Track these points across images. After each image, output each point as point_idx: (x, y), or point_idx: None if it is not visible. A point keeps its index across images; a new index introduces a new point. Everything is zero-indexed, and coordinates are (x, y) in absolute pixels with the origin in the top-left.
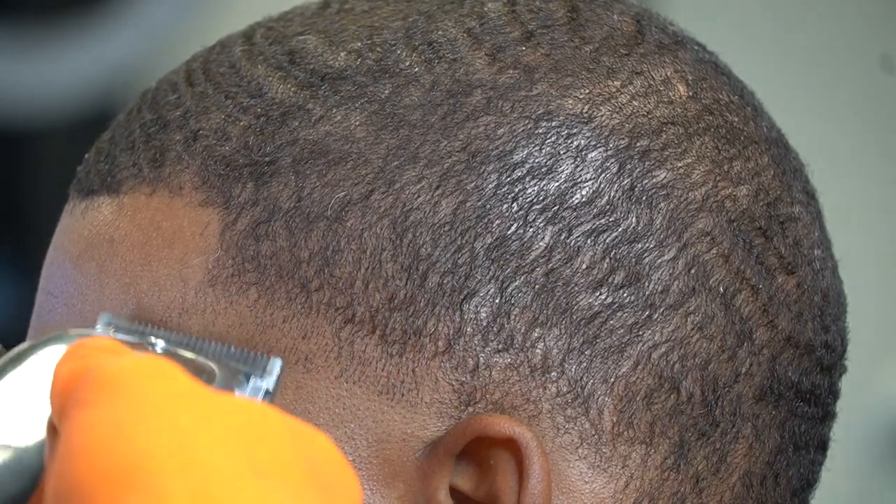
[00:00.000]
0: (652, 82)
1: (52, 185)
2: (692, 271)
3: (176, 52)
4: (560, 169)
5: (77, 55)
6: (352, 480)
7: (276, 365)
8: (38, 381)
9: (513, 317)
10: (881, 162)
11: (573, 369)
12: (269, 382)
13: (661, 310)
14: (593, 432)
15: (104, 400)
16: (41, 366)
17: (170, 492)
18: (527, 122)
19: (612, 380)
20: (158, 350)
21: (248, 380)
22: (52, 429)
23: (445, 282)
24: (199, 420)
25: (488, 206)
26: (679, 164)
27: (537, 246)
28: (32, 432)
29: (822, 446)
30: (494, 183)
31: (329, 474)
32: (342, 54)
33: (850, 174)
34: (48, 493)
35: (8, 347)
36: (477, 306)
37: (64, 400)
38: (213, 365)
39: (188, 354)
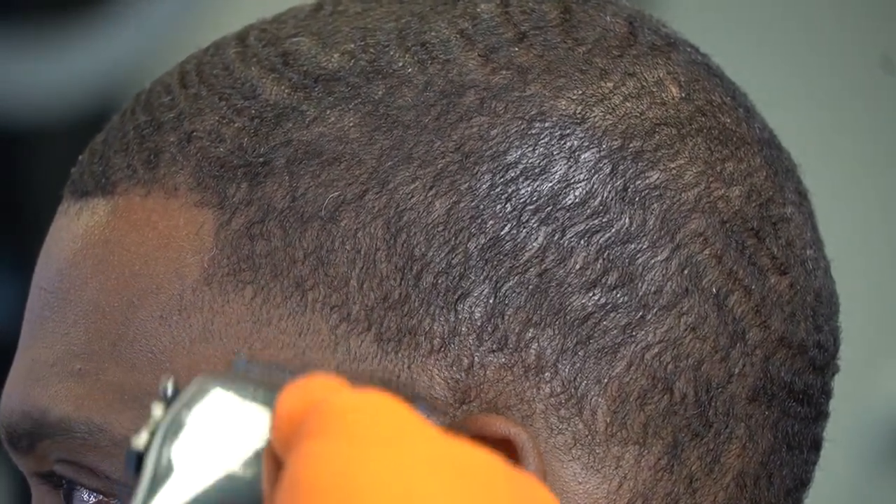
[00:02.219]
0: (645, 84)
1: (52, 185)
2: (685, 272)
3: (176, 52)
4: (553, 170)
5: (77, 55)
6: None
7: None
8: (224, 416)
9: (507, 317)
10: (881, 162)
11: (567, 370)
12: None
13: (655, 310)
14: (587, 433)
15: (332, 432)
16: (222, 402)
17: None
18: (520, 122)
19: (606, 380)
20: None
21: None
22: (271, 458)
23: (439, 282)
24: (427, 464)
25: (482, 206)
26: (672, 165)
27: (531, 246)
28: (238, 461)
29: (816, 446)
30: (488, 183)
31: None
32: (336, 56)
33: (851, 174)
34: None
35: (8, 347)
36: (471, 306)
37: (291, 431)
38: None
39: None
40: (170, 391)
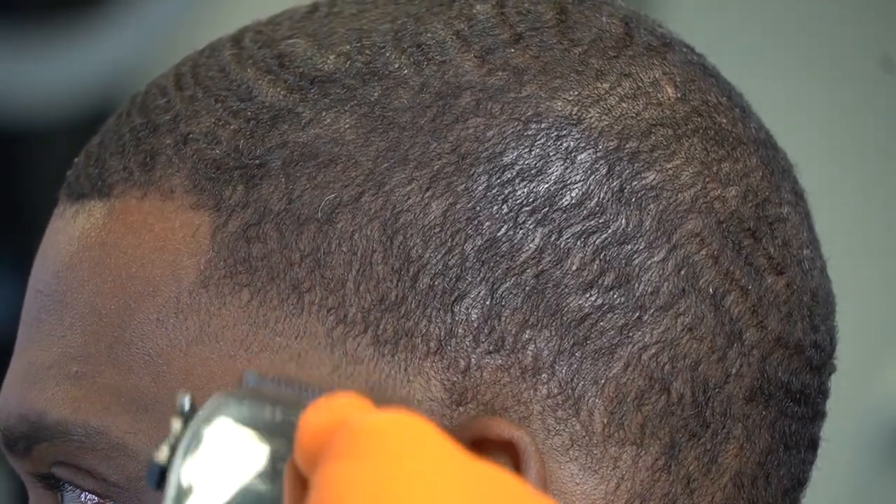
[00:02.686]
0: (640, 84)
1: (52, 185)
2: (682, 272)
3: (176, 53)
4: (549, 171)
5: (77, 55)
6: None
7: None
8: (242, 433)
9: (503, 318)
10: (881, 162)
11: (564, 371)
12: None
13: (651, 311)
14: (584, 434)
15: (360, 454)
16: (237, 421)
17: None
18: (516, 123)
19: (603, 381)
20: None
21: None
22: (294, 475)
23: (436, 283)
24: (454, 487)
25: (478, 207)
26: (668, 166)
27: (527, 248)
28: (258, 475)
29: (813, 446)
30: (484, 185)
31: None
32: (331, 57)
33: (851, 174)
34: None
35: (8, 347)
36: (468, 308)
37: (318, 450)
38: None
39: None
40: (187, 406)
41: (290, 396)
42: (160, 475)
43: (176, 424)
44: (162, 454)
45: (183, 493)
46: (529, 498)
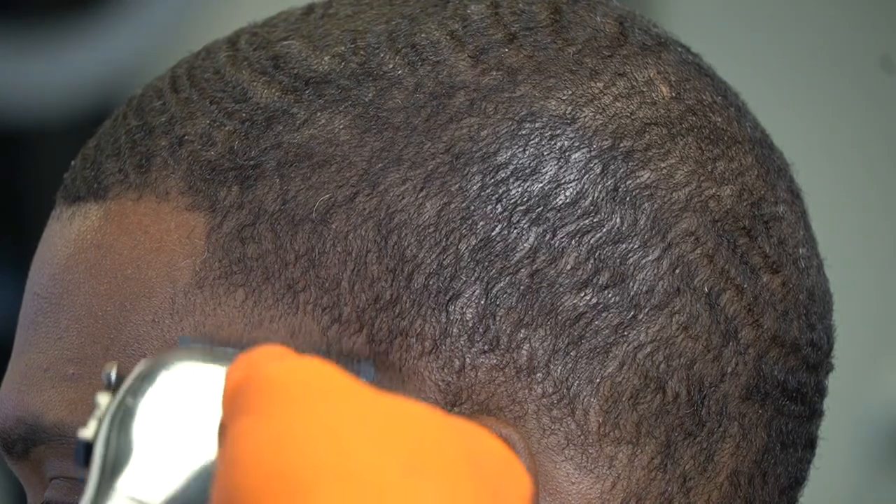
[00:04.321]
0: (635, 83)
1: (52, 185)
2: (677, 271)
3: (175, 52)
4: (544, 170)
5: (77, 55)
6: (521, 477)
7: (368, 368)
8: (178, 395)
9: (498, 318)
10: (881, 162)
11: (559, 370)
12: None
13: (646, 310)
14: (579, 433)
15: (264, 406)
16: (175, 380)
17: (326, 500)
18: (510, 123)
19: (598, 380)
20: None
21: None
22: (222, 434)
23: (431, 283)
24: (358, 423)
25: (472, 207)
26: (662, 165)
27: (522, 247)
28: (196, 442)
29: (810, 444)
30: (478, 184)
31: (497, 472)
32: (326, 58)
33: (851, 174)
34: (214, 501)
35: (8, 346)
36: (462, 307)
37: (230, 407)
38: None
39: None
40: (113, 378)
41: (223, 356)
42: (86, 452)
43: (102, 398)
44: (88, 430)
45: (113, 466)
46: (442, 422)
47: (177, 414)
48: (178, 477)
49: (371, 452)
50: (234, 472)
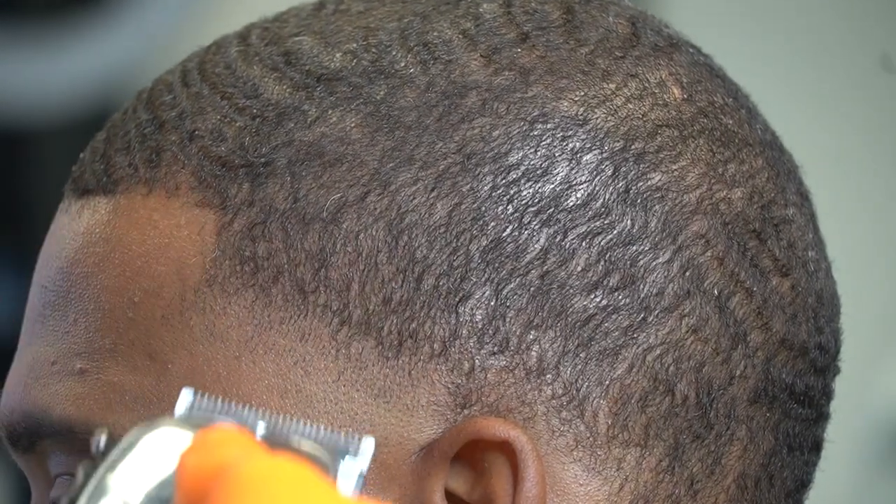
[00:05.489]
0: (647, 85)
1: (52, 185)
2: (687, 274)
3: (176, 52)
4: (555, 171)
5: (77, 55)
6: None
7: (369, 445)
8: (150, 470)
9: (508, 319)
10: (882, 162)
11: (568, 372)
12: (362, 464)
13: (656, 312)
14: (588, 435)
15: None
16: (151, 454)
17: None
18: (522, 124)
19: (607, 382)
20: (258, 436)
21: (341, 460)
22: None
23: (441, 284)
24: None
25: (483, 208)
26: (674, 167)
27: (532, 248)
28: None
29: (816, 447)
30: (490, 185)
31: None
32: (338, 55)
33: (851, 174)
34: None
35: (8, 347)
36: (472, 309)
37: (195, 497)
38: (323, 454)
39: (294, 442)
40: (102, 446)
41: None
42: None
43: (81, 469)
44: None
45: None
46: None
47: (148, 490)
48: None
49: None
50: None
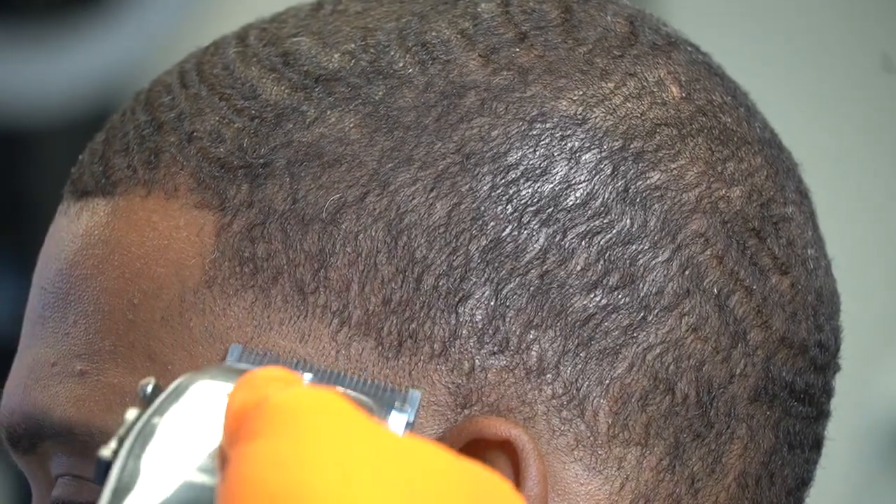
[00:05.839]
0: (645, 84)
1: (52, 185)
2: (686, 273)
3: (176, 52)
4: (554, 171)
5: (77, 55)
6: None
7: (415, 397)
8: (199, 415)
9: (508, 319)
10: (882, 161)
11: (568, 371)
12: (410, 414)
13: (656, 311)
14: (589, 434)
15: (271, 431)
16: (200, 400)
17: None
18: (521, 123)
19: (608, 381)
20: (305, 384)
21: (389, 412)
22: (224, 459)
23: (440, 284)
24: (365, 457)
25: (482, 208)
26: (673, 166)
27: (532, 248)
28: (201, 467)
29: (817, 445)
30: (489, 185)
31: None
32: (336, 56)
33: (851, 174)
34: None
35: (8, 347)
36: (472, 309)
37: (234, 430)
38: (368, 400)
39: (339, 389)
40: (149, 392)
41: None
42: (105, 470)
43: (130, 413)
44: (109, 448)
45: (121, 489)
46: (450, 463)
47: (194, 435)
48: (179, 501)
49: (374, 484)
50: (235, 494)
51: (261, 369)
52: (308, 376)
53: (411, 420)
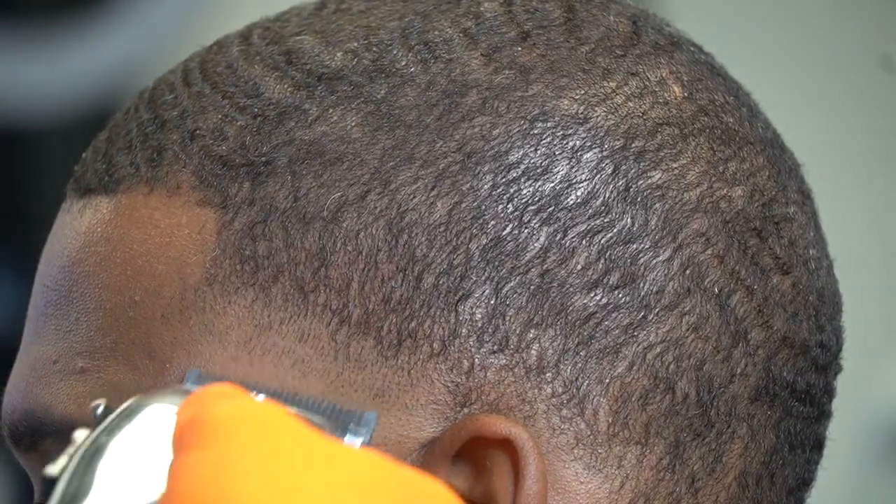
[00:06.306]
0: (647, 83)
1: (52, 185)
2: (687, 272)
3: (176, 52)
4: (555, 170)
5: (77, 55)
6: None
7: (370, 418)
8: (149, 435)
9: (508, 318)
10: (882, 161)
11: (568, 370)
12: (365, 436)
13: (657, 310)
14: (589, 433)
15: (205, 442)
16: (150, 421)
17: None
18: (522, 122)
19: (608, 380)
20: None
21: (344, 434)
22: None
23: (441, 283)
24: (298, 466)
25: (483, 206)
26: (674, 165)
27: (532, 247)
28: (150, 488)
29: (818, 445)
30: (490, 184)
31: None
32: (339, 54)
33: (851, 174)
34: None
35: (8, 347)
36: (472, 307)
37: (176, 445)
38: (318, 419)
39: (290, 409)
40: (100, 413)
41: None
42: (52, 487)
43: (79, 434)
44: (56, 465)
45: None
46: (387, 472)
47: (143, 454)
48: None
49: (307, 494)
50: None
51: (210, 386)
52: (261, 397)
53: (367, 441)
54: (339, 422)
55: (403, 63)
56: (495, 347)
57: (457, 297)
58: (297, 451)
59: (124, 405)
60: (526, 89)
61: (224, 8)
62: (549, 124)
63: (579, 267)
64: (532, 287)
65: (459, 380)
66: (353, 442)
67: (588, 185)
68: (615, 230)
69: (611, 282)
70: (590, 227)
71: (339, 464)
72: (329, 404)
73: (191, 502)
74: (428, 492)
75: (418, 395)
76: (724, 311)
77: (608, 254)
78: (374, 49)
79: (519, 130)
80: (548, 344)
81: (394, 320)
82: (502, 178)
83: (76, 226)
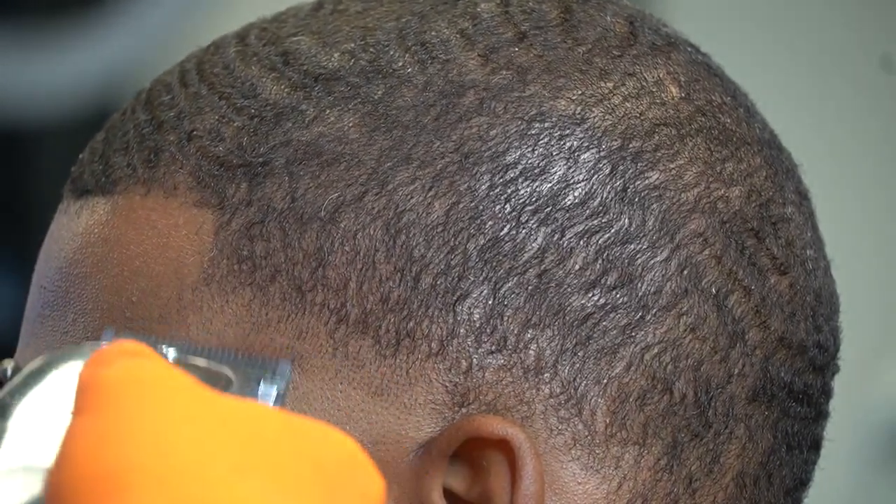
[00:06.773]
0: (644, 84)
1: (52, 185)
2: (685, 272)
3: (176, 52)
4: (553, 170)
5: (77, 55)
6: (369, 478)
7: (285, 367)
8: (60, 397)
9: (506, 318)
10: (881, 162)
11: (566, 370)
12: (279, 385)
13: (654, 311)
14: (586, 433)
15: (94, 406)
16: (62, 381)
17: (147, 500)
18: (519, 123)
19: (605, 381)
20: (169, 359)
21: (258, 384)
22: None
23: (438, 283)
24: (186, 423)
25: (481, 207)
26: (671, 166)
27: (530, 247)
28: (51, 452)
29: (816, 446)
30: (487, 184)
31: (340, 471)
32: (336, 55)
33: (851, 174)
34: (45, 501)
35: (8, 346)
36: (470, 307)
37: (74, 406)
38: (228, 372)
39: (200, 362)
40: (9, 374)
41: None
42: None
43: None
44: None
45: None
46: (278, 423)
47: (47, 415)
48: (28, 481)
49: (195, 452)
50: (59, 472)
51: (113, 343)
52: (171, 351)
53: (282, 390)
54: (253, 372)
55: (400, 64)
56: (493, 348)
57: (454, 298)
58: (185, 413)
59: (31, 364)
60: (523, 90)
61: (223, 8)
62: (546, 125)
63: (577, 267)
64: (530, 287)
65: (457, 380)
66: (269, 391)
67: (585, 185)
68: (613, 230)
69: (608, 282)
70: (587, 227)
71: (231, 422)
72: (243, 356)
73: (77, 469)
74: (324, 441)
75: (417, 395)
76: (722, 312)
77: (606, 254)
78: (372, 50)
79: (516, 131)
80: (545, 344)
81: (392, 320)
82: (500, 179)
83: (73, 227)
